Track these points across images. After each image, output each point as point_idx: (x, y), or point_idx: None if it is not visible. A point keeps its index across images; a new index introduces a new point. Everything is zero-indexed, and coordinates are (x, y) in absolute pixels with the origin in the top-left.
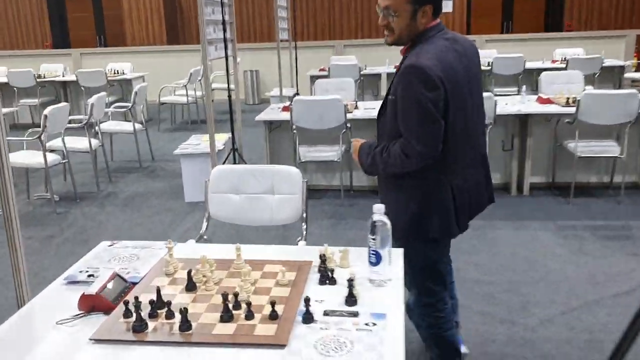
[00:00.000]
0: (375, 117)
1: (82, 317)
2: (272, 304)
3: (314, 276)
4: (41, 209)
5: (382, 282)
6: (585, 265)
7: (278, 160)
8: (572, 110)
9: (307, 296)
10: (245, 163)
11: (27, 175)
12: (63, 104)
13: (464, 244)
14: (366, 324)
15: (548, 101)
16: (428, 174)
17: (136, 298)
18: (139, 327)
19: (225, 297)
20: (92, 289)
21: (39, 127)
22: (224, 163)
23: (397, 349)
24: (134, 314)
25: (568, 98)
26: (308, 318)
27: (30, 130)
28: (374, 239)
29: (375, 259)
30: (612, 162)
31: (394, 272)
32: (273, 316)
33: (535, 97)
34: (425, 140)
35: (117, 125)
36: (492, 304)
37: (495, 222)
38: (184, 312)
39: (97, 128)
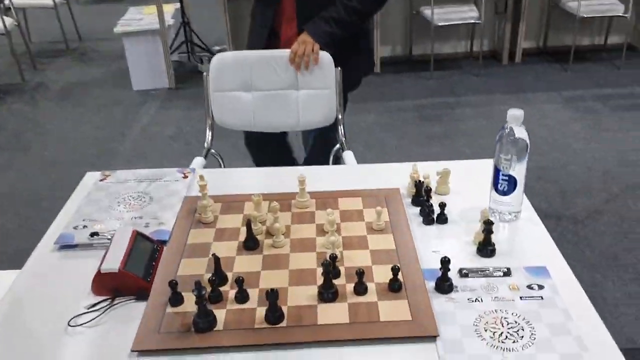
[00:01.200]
0: None
1: (105, 309)
2: (395, 270)
3: (411, 211)
4: None
5: (513, 215)
6: (610, 142)
7: (241, 38)
8: None
9: (445, 256)
10: (203, 43)
11: None
12: None
13: (471, 124)
14: (529, 287)
15: None
16: None
17: (198, 284)
18: (206, 323)
19: (327, 266)
20: (112, 262)
21: None
22: (172, 43)
23: (595, 322)
24: (197, 305)
25: None
26: (447, 285)
27: None
28: (507, 159)
29: (507, 186)
30: (607, 22)
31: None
32: (396, 287)
33: None
34: None
35: None
36: (528, 195)
37: (496, 97)
38: (273, 295)
39: (8, 2)
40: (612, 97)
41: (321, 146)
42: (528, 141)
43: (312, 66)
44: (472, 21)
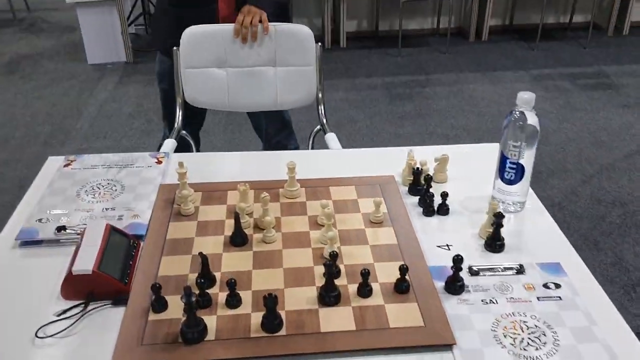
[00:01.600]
0: None
1: (78, 316)
2: (403, 269)
3: (408, 201)
4: None
5: (519, 206)
6: (581, 121)
7: None
8: None
9: (458, 255)
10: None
11: None
12: None
13: (442, 103)
14: (545, 286)
15: None
16: None
17: (187, 290)
18: (195, 333)
19: (330, 267)
20: (84, 262)
21: None
22: (129, 15)
23: (619, 324)
24: (186, 313)
25: None
26: (459, 286)
27: None
28: (516, 146)
29: (514, 175)
30: (572, 0)
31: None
32: (403, 288)
33: None
34: None
35: None
36: None
37: (466, 75)
38: (272, 301)
39: None
40: (580, 76)
41: (277, 126)
42: (538, 127)
43: (261, 37)
44: None
